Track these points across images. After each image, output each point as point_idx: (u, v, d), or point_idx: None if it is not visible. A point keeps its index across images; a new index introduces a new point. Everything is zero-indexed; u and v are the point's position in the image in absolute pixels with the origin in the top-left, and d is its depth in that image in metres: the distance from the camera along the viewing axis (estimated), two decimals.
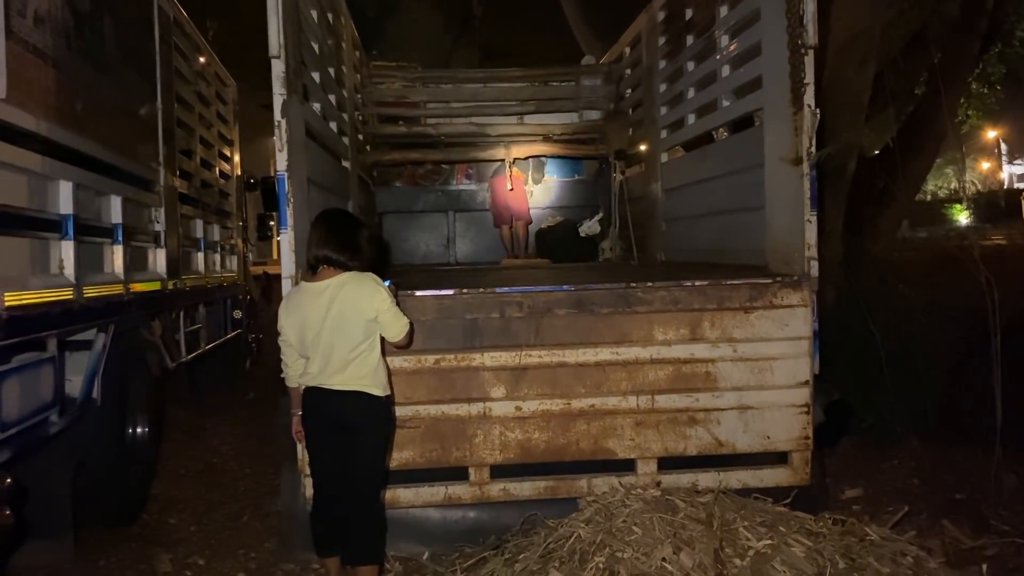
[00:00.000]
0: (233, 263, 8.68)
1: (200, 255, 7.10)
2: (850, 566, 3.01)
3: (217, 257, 7.81)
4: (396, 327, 3.54)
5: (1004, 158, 41.67)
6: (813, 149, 4.30)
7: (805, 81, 4.32)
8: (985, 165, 41.24)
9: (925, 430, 5.70)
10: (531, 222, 9.04)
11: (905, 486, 5.01)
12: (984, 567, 3.02)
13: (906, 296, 6.73)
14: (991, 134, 36.83)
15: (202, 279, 7.03)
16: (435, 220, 9.68)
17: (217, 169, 8.00)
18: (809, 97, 4.30)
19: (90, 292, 4.23)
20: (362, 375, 3.47)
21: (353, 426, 3.50)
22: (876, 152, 10.58)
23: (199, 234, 7.11)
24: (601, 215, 9.01)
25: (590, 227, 9.02)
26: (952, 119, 11.17)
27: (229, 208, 8.47)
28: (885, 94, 9.07)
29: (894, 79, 9.44)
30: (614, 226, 8.61)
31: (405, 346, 3.76)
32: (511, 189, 8.78)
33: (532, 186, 9.38)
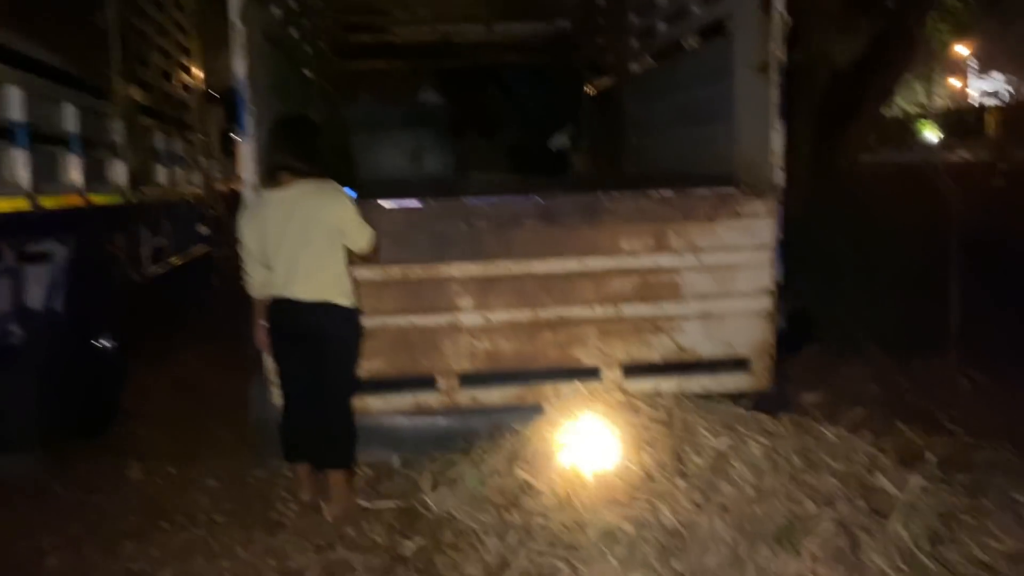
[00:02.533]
0: (197, 178, 8.51)
1: (162, 168, 6.95)
2: (806, 463, 3.11)
3: (180, 171, 7.65)
4: (360, 236, 3.52)
5: (973, 74, 41.61)
6: (782, 57, 4.26)
7: None
8: (955, 81, 41.18)
9: (885, 339, 5.85)
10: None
11: (863, 391, 5.15)
12: (935, 461, 3.13)
13: (872, 209, 6.83)
14: (962, 49, 36.66)
15: (165, 193, 6.90)
16: (404, 134, 9.50)
17: (177, 80, 7.76)
18: (779, 3, 4.23)
19: (47, 202, 4.14)
20: (327, 285, 3.47)
21: (320, 336, 3.51)
22: (847, 65, 10.52)
23: (160, 147, 6.94)
24: (571, 128, 8.92)
25: (560, 141, 8.94)
26: (922, 32, 11.09)
27: (191, 121, 8.26)
28: (857, 5, 8.99)
29: None
30: (584, 139, 8.54)
31: (371, 257, 3.74)
32: None
33: None
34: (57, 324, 4.30)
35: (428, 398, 4.29)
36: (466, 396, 4.29)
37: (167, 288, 7.59)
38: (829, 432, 3.47)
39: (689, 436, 3.17)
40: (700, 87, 5.47)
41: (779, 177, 4.30)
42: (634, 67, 7.10)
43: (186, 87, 8.11)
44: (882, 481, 3.13)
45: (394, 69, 8.69)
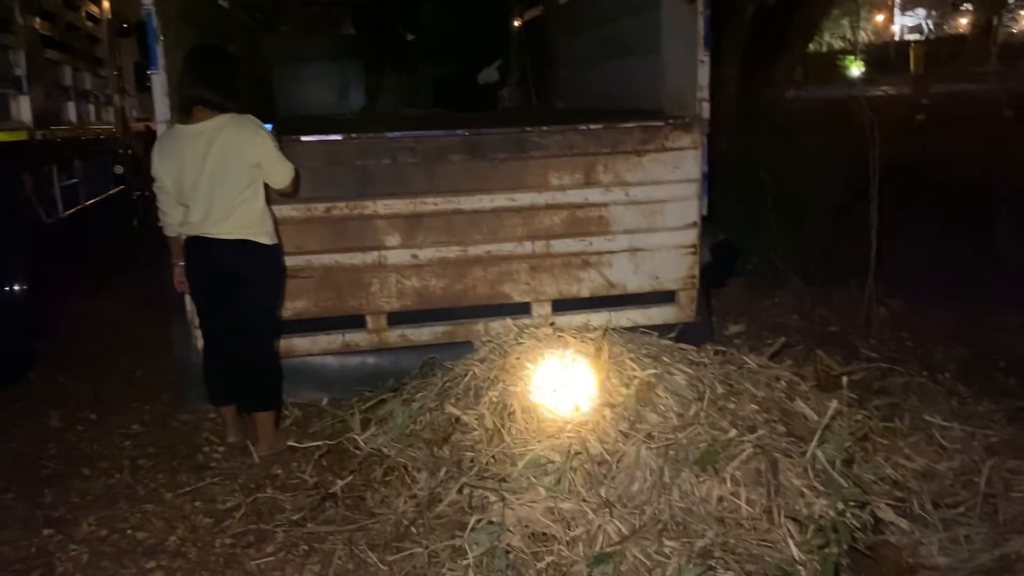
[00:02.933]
0: (110, 115, 8.13)
1: (71, 105, 6.60)
2: (728, 391, 3.18)
3: (91, 108, 7.29)
4: (280, 173, 3.41)
5: (897, 10, 42.23)
6: None
7: None
8: (879, 18, 41.77)
9: (807, 271, 6.00)
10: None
11: (785, 322, 5.30)
12: (845, 386, 3.23)
13: (795, 143, 6.91)
14: None
15: (75, 131, 6.58)
16: (327, 68, 9.20)
17: (83, 10, 7.34)
18: None
19: None
20: (247, 223, 3.36)
21: (240, 276, 3.42)
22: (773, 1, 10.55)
23: (68, 81, 6.58)
24: (500, 62, 8.75)
25: (488, 75, 8.76)
26: None
27: (101, 55, 7.84)
28: None
29: None
30: (513, 73, 8.41)
31: (291, 194, 3.64)
32: None
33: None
34: None
35: (356, 337, 4.25)
36: (395, 335, 4.26)
37: (82, 230, 7.32)
38: (751, 361, 3.54)
39: (616, 367, 3.20)
40: (627, 19, 5.40)
41: (705, 110, 4.31)
42: None
43: (94, 18, 7.68)
44: (801, 407, 3.23)
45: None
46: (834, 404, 3.06)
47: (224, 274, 3.41)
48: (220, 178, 3.28)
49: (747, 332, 5.03)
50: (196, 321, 3.78)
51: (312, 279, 4.11)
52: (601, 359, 3.21)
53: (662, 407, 3.06)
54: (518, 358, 3.34)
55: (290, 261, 3.95)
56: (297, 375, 4.13)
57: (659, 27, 4.72)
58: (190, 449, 3.74)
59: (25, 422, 4.08)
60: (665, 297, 4.46)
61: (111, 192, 7.82)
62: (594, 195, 4.29)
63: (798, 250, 6.07)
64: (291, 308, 4.09)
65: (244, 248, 3.36)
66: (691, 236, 4.38)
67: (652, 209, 4.33)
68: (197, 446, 3.77)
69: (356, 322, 4.24)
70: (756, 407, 3.13)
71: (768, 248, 6.11)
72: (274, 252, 3.49)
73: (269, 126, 3.40)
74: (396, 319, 4.27)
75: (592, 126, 4.26)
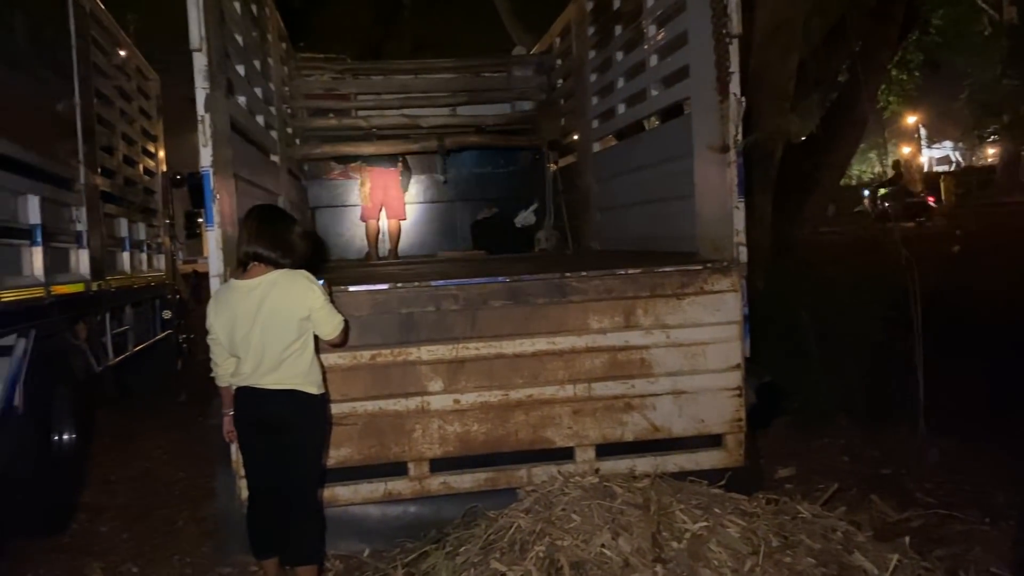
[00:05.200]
0: (161, 262, 8.46)
1: (125, 254, 6.91)
2: (783, 544, 3.08)
3: (144, 256, 7.61)
4: (330, 325, 3.50)
5: (923, 142, 43.07)
6: (740, 136, 4.38)
7: (730, 70, 4.39)
8: (906, 150, 42.59)
9: (852, 409, 5.89)
10: (404, 219, 8.73)
11: (835, 464, 5.16)
12: (907, 539, 3.12)
13: (831, 278, 6.94)
14: (911, 119, 38.06)
15: (128, 279, 6.84)
16: None
17: (141, 166, 7.79)
18: (735, 85, 4.38)
19: (7, 296, 4.08)
20: (295, 374, 3.42)
21: (287, 426, 3.45)
22: (802, 139, 10.86)
23: (124, 233, 6.91)
24: (536, 206, 9.02)
25: (525, 218, 9.03)
26: (873, 105, 11.52)
27: (155, 205, 8.25)
28: (808, 82, 9.32)
29: (817, 67, 9.70)
30: (549, 216, 8.65)
31: (340, 344, 3.72)
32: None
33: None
34: (14, 420, 4.17)
35: (398, 485, 4.20)
36: (437, 482, 4.22)
37: (131, 376, 7.49)
38: (804, 509, 3.45)
39: (666, 519, 3.13)
40: (662, 166, 5.58)
41: (743, 254, 4.37)
42: (596, 147, 7.24)
43: (150, 172, 8.13)
44: (860, 559, 3.11)
45: (360, 152, 8.76)
46: (895, 558, 2.94)
47: (272, 423, 3.44)
48: (271, 331, 3.36)
49: (797, 475, 4.90)
50: (241, 471, 3.78)
51: (356, 426, 4.12)
52: (651, 511, 3.14)
53: (716, 562, 2.96)
54: (564, 509, 3.28)
55: (335, 408, 3.99)
56: (338, 524, 4.08)
57: (692, 174, 4.87)
58: None
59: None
60: (712, 441, 4.39)
61: (158, 337, 8.03)
62: (635, 338, 4.31)
63: (842, 388, 5.99)
64: (335, 456, 4.08)
65: (292, 398, 3.40)
66: (735, 378, 4.35)
67: (694, 351, 4.33)
68: None
69: (398, 470, 4.22)
70: (813, 560, 3.02)
71: (811, 387, 6.02)
72: (321, 402, 3.53)
73: (321, 281, 3.51)
74: (438, 466, 4.23)
75: (630, 271, 4.33)
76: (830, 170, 10.31)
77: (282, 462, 3.46)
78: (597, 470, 3.79)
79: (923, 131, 41.91)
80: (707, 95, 4.60)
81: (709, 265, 4.39)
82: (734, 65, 4.38)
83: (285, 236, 3.49)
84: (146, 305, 7.75)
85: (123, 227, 6.90)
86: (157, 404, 7.78)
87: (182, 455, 6.15)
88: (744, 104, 4.36)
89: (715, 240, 4.60)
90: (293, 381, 3.41)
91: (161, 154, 8.71)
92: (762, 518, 3.27)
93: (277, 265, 3.43)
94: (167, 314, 8.46)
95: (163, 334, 8.27)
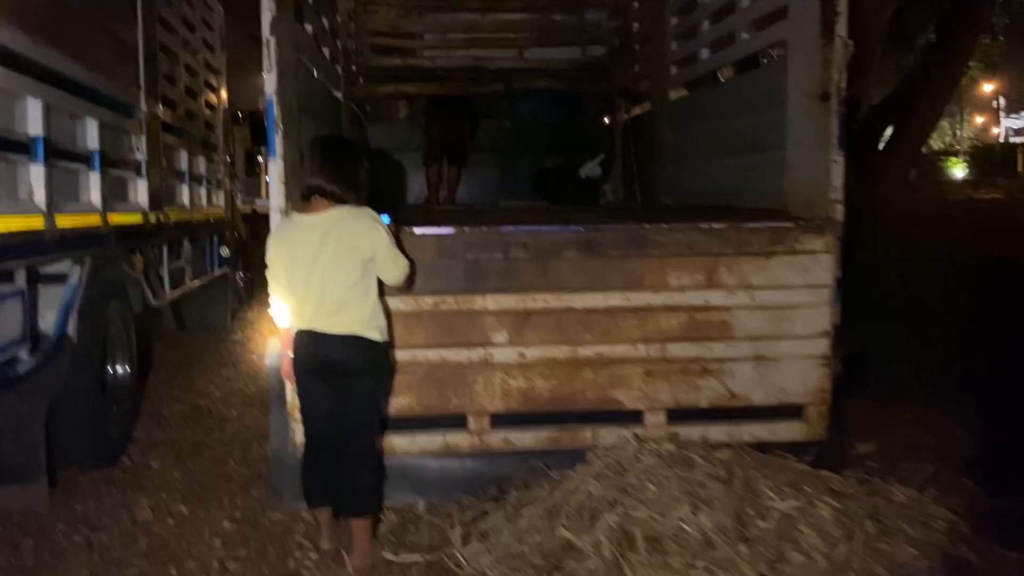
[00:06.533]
0: (220, 199, 8.32)
1: (185, 188, 6.76)
2: (880, 530, 2.81)
3: (203, 191, 7.45)
4: (395, 269, 3.27)
5: (1002, 112, 41.24)
6: (844, 84, 4.01)
7: (838, 10, 4.02)
8: (980, 120, 40.85)
9: (936, 381, 5.54)
10: (465, 165, 8.51)
11: (919, 442, 4.81)
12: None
13: (917, 245, 6.55)
14: (987, 87, 36.42)
15: (187, 214, 6.71)
16: None
17: (203, 99, 7.61)
18: (841, 27, 4.00)
19: (63, 222, 3.93)
20: (359, 319, 3.21)
21: (348, 372, 3.25)
22: (878, 101, 10.28)
23: (183, 166, 6.76)
24: (603, 157, 8.68)
25: (591, 169, 8.68)
26: (965, 65, 10.81)
27: (215, 141, 8.09)
28: (899, 40, 8.76)
29: (907, 24, 9.11)
30: (617, 167, 8.30)
31: (405, 288, 3.50)
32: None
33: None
34: (69, 350, 4.07)
35: (457, 439, 4.01)
36: (497, 438, 4.01)
37: (189, 311, 7.43)
38: (900, 493, 3.16)
39: (751, 496, 2.87)
40: (746, 115, 5.22)
41: (839, 212, 4.03)
42: (672, 94, 6.86)
43: (211, 106, 7.96)
44: (965, 552, 2.82)
45: (424, 92, 8.49)
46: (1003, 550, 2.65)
47: (332, 369, 3.25)
48: (333, 271, 3.15)
49: (879, 452, 4.58)
50: (297, 415, 3.62)
51: (416, 376, 3.93)
52: (734, 484, 2.89)
53: (806, 545, 2.71)
54: (638, 478, 3.04)
55: (396, 356, 3.81)
56: (394, 475, 3.91)
57: (784, 124, 4.51)
58: (281, 554, 3.52)
59: (116, 511, 3.94)
60: (792, 412, 4.09)
61: (216, 274, 7.95)
62: (716, 297, 4.01)
63: (926, 359, 5.63)
64: (394, 405, 3.90)
65: (354, 344, 3.20)
66: (822, 346, 4.04)
67: (780, 315, 4.02)
68: (289, 550, 3.54)
69: (458, 422, 4.02)
70: (914, 551, 2.75)
71: (892, 356, 5.67)
72: (383, 349, 3.33)
73: (386, 218, 3.28)
74: (499, 421, 4.02)
75: (716, 225, 4.02)
76: (914, 132, 9.74)
77: (341, 409, 3.28)
78: (675, 435, 3.53)
79: (1002, 100, 40.05)
80: (808, 38, 4.21)
81: (802, 223, 4.05)
82: (842, 5, 4.00)
83: (352, 170, 3.26)
84: (204, 241, 7.64)
85: (183, 160, 6.74)
86: (213, 340, 7.73)
87: (235, 393, 6.08)
88: (852, 48, 3.98)
89: (807, 196, 4.25)
90: (356, 326, 3.21)
91: (223, 89, 8.53)
92: (855, 500, 3.00)
93: (341, 201, 3.20)
94: (225, 251, 8.35)
95: (221, 271, 8.18)
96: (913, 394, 5.46)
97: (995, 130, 41.71)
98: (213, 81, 8.09)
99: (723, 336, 4.02)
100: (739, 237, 4.00)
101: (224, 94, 8.56)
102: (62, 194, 4.05)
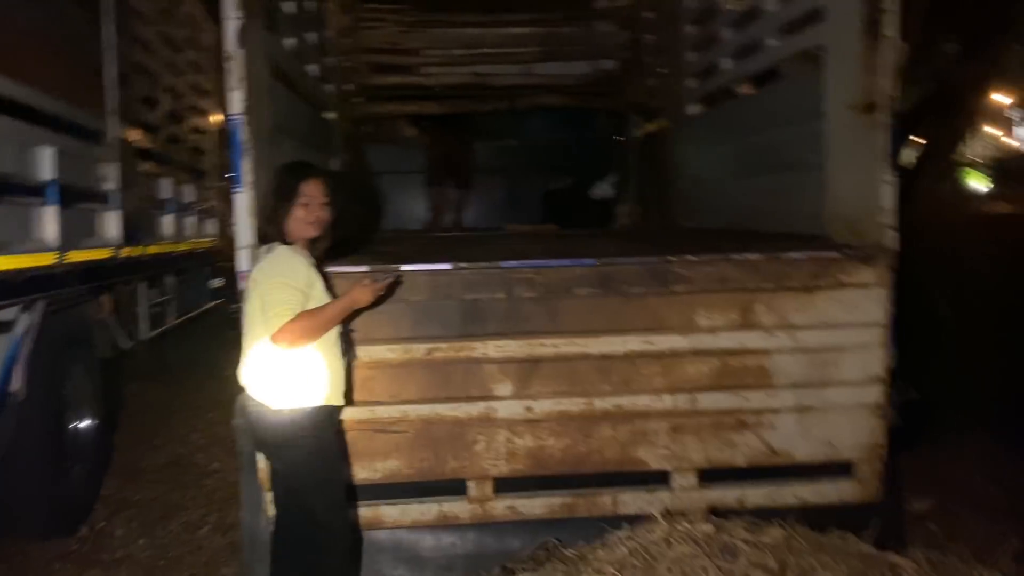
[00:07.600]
0: (212, 227, 7.86)
1: (168, 218, 6.29)
2: None
3: (190, 220, 7.00)
4: (270, 316, 2.63)
5: (1016, 123, 40.55)
6: (895, 93, 3.50)
7: (883, 7, 3.51)
8: (989, 129, 40.18)
9: (992, 422, 4.98)
10: (470, 187, 8.20)
11: (983, 493, 4.27)
12: None
13: (966, 266, 6.01)
14: (998, 98, 35.80)
15: (170, 246, 6.24)
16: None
17: (190, 122, 7.17)
18: (890, 26, 3.49)
19: (5, 264, 3.46)
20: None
21: (259, 445, 2.78)
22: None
23: (167, 195, 6.30)
24: (616, 177, 8.18)
25: (603, 190, 8.20)
26: (999, 71, 10.28)
27: (206, 166, 7.65)
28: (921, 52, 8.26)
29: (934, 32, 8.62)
30: (631, 188, 7.80)
31: (285, 348, 2.67)
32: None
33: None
34: (13, 406, 3.58)
35: (455, 507, 3.47)
36: (502, 506, 3.47)
37: (172, 350, 6.94)
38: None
39: None
40: (774, 130, 4.72)
41: (892, 239, 3.49)
42: (690, 109, 6.37)
43: (200, 130, 7.52)
44: None
45: (426, 112, 8.03)
46: None
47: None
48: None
49: (939, 511, 4.03)
50: (268, 484, 3.10)
51: (407, 435, 3.41)
52: None
53: None
54: (670, 569, 2.51)
55: (383, 411, 3.32)
56: (382, 551, 3.42)
57: (821, 139, 4.00)
58: None
59: None
60: (841, 469, 3.55)
61: (206, 307, 7.47)
62: (752, 340, 3.48)
63: (982, 397, 5.08)
64: (381, 469, 3.39)
65: (255, 410, 2.72)
66: (875, 393, 3.49)
67: (825, 359, 3.48)
68: None
69: (456, 488, 3.49)
70: None
71: (945, 393, 5.11)
72: (279, 414, 2.72)
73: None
74: (504, 486, 3.49)
75: (750, 256, 3.50)
76: (940, 150, 9.25)
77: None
78: (711, 511, 2.98)
79: (1016, 111, 39.35)
80: (850, 40, 3.69)
81: (848, 251, 3.52)
82: (890, 1, 3.50)
83: (271, 200, 2.79)
84: (192, 273, 7.18)
85: (166, 188, 6.29)
86: (201, 380, 7.23)
87: (219, 441, 5.55)
88: (906, 51, 3.46)
89: (851, 220, 3.72)
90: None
91: (216, 111, 8.08)
92: None
93: (263, 237, 2.76)
94: (217, 283, 7.88)
95: (212, 304, 7.70)
96: (970, 436, 4.91)
97: (1008, 141, 41.02)
98: (203, 104, 7.65)
99: (761, 384, 3.48)
100: (778, 269, 3.48)
101: (218, 117, 8.11)
102: (7, 232, 3.59)
